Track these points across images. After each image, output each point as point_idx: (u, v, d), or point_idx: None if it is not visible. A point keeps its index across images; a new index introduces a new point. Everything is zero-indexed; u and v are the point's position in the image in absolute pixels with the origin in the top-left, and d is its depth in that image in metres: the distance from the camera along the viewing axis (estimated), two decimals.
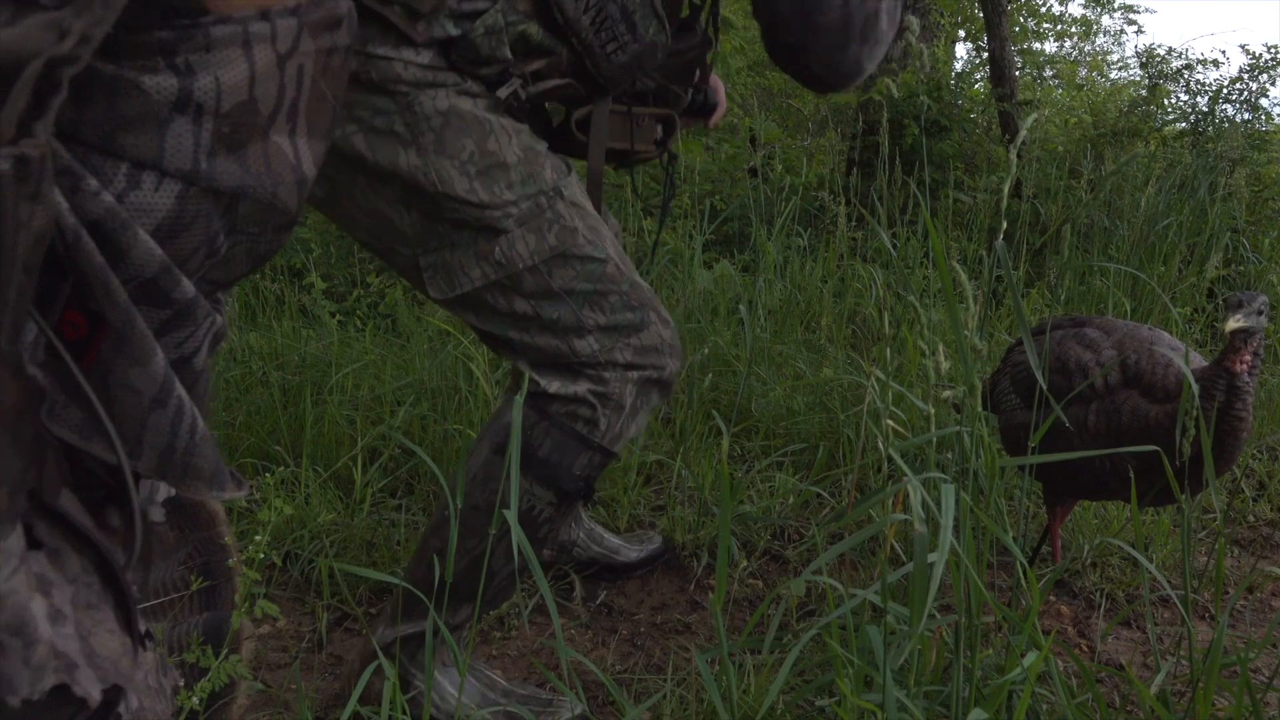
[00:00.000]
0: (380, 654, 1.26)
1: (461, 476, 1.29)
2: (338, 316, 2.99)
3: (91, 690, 0.40)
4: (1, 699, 0.37)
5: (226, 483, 0.50)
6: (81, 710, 0.40)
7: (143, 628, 0.47)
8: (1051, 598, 1.83)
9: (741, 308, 2.61)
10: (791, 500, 2.08)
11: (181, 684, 1.00)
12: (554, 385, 1.30)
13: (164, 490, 0.54)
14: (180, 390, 0.47)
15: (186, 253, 0.47)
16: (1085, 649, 1.68)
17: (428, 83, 1.19)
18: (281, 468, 1.81)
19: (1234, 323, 1.43)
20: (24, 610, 0.38)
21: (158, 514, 0.52)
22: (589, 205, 1.33)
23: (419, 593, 1.28)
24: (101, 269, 0.42)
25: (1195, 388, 1.32)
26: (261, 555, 1.05)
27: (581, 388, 1.30)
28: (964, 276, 1.13)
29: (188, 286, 0.46)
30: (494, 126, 1.23)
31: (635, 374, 1.32)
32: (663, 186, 1.51)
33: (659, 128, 1.45)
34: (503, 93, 1.22)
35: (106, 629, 0.43)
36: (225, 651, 1.02)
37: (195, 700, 0.96)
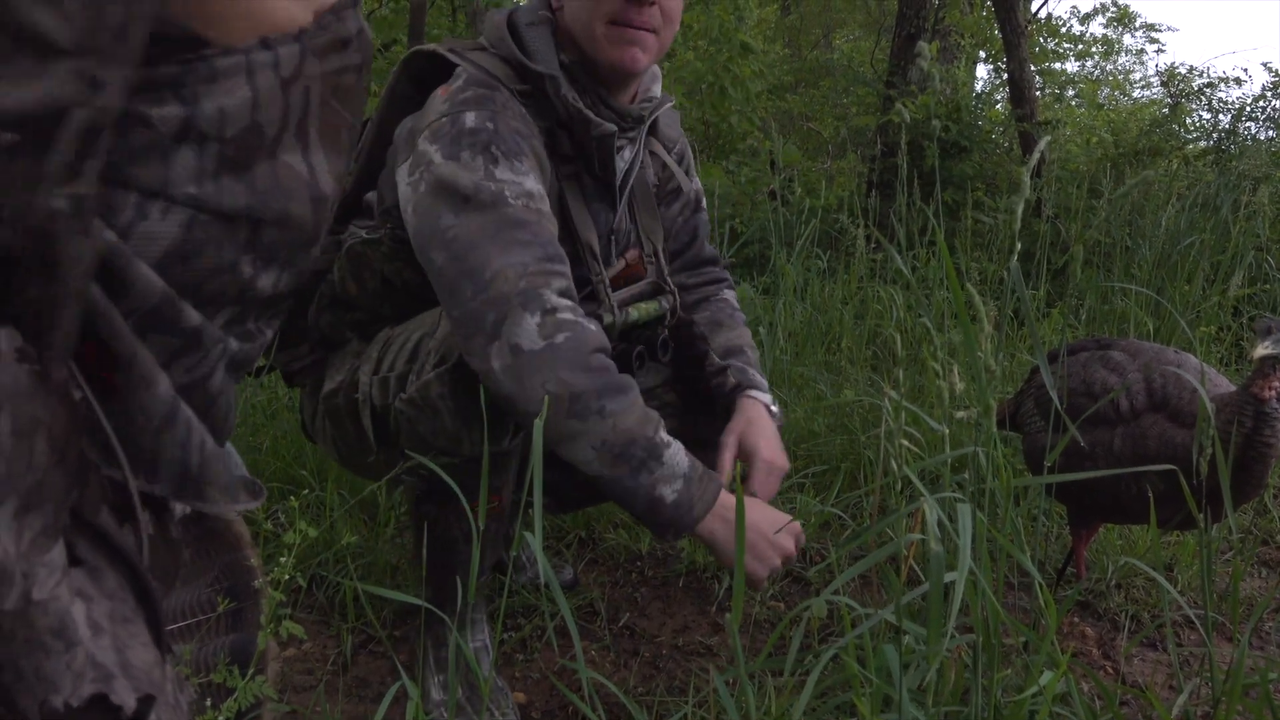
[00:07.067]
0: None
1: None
2: None
3: (127, 699, 0.42)
4: (45, 699, 0.39)
5: (240, 494, 0.52)
6: (115, 718, 0.42)
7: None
8: (1075, 619, 1.82)
9: (762, 330, 2.63)
10: (813, 521, 2.08)
11: (208, 703, 1.02)
12: None
13: (179, 510, 0.56)
14: (186, 410, 0.48)
15: (199, 279, 0.47)
16: (1110, 671, 1.67)
17: None
18: (307, 491, 1.83)
19: (1262, 349, 1.42)
20: (65, 615, 0.40)
21: (174, 531, 0.54)
22: None
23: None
24: (105, 305, 0.44)
25: (1211, 407, 1.32)
26: (287, 577, 1.07)
27: None
28: (978, 298, 1.14)
29: (192, 314, 0.47)
30: None
31: None
32: None
33: None
34: None
35: (140, 642, 0.45)
36: (251, 672, 1.04)
37: None
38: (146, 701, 0.43)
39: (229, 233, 0.48)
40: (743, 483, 1.49)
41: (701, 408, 1.67)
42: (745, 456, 1.50)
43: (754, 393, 1.58)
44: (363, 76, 0.54)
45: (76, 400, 0.40)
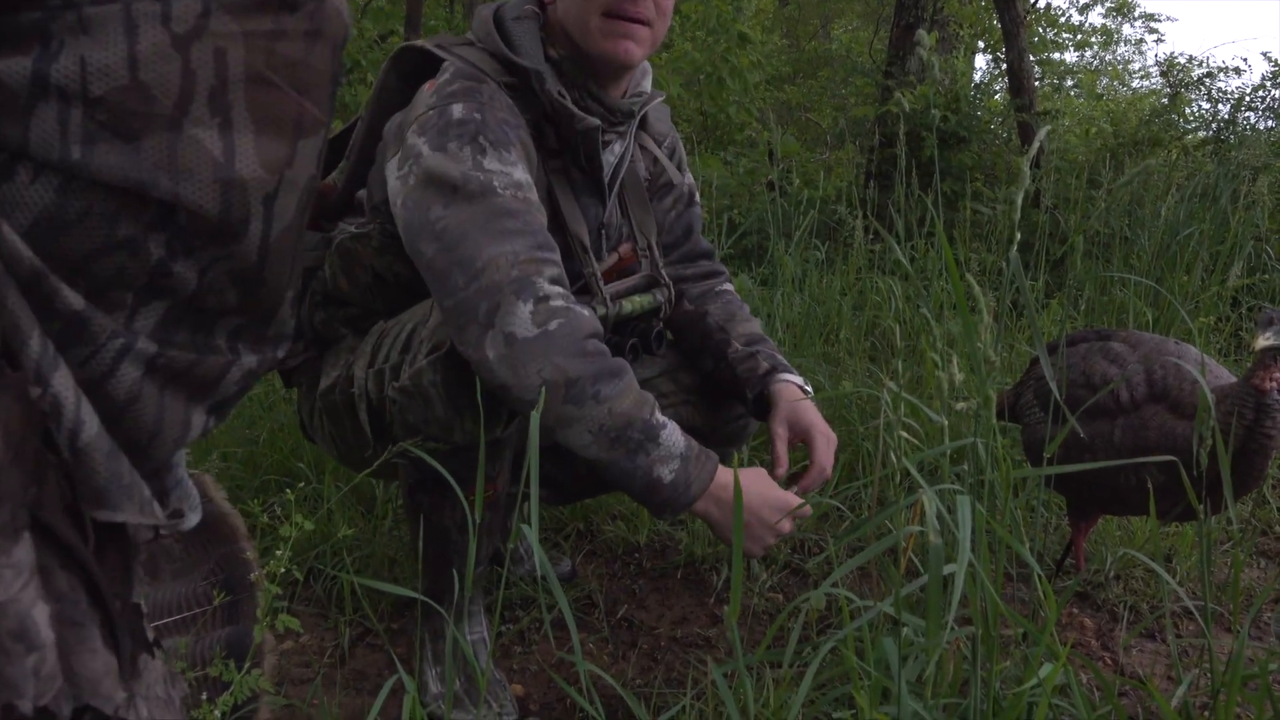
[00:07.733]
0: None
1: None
2: None
3: (63, 707, 0.40)
4: (9, 703, 0.38)
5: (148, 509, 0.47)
6: None
7: (151, 636, 0.47)
8: (1074, 610, 1.81)
9: (759, 321, 2.62)
10: (811, 513, 2.08)
11: (204, 696, 1.01)
12: None
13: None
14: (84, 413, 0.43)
15: (83, 256, 0.42)
16: (1109, 662, 1.67)
17: None
18: (303, 484, 1.83)
19: (1263, 341, 1.42)
20: (27, 617, 0.39)
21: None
22: None
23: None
24: None
25: (1211, 398, 1.31)
26: (284, 570, 1.07)
27: None
28: (978, 288, 1.13)
29: (70, 296, 0.42)
30: None
31: None
32: None
33: None
34: None
35: (89, 648, 0.42)
36: (248, 665, 1.04)
37: (217, 714, 0.98)
38: (84, 712, 0.41)
39: (123, 206, 0.42)
40: (805, 471, 1.52)
41: (721, 396, 1.68)
42: (802, 434, 1.53)
43: (787, 376, 1.60)
44: (318, 50, 0.46)
45: (34, 398, 0.39)
